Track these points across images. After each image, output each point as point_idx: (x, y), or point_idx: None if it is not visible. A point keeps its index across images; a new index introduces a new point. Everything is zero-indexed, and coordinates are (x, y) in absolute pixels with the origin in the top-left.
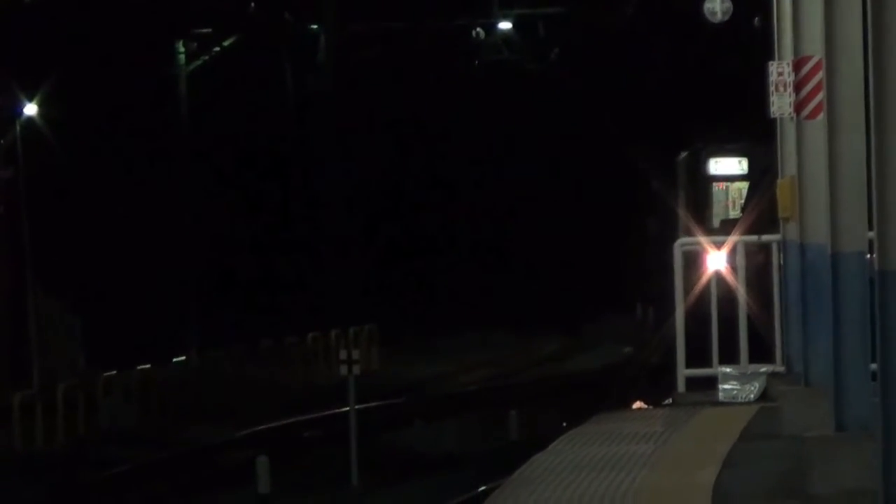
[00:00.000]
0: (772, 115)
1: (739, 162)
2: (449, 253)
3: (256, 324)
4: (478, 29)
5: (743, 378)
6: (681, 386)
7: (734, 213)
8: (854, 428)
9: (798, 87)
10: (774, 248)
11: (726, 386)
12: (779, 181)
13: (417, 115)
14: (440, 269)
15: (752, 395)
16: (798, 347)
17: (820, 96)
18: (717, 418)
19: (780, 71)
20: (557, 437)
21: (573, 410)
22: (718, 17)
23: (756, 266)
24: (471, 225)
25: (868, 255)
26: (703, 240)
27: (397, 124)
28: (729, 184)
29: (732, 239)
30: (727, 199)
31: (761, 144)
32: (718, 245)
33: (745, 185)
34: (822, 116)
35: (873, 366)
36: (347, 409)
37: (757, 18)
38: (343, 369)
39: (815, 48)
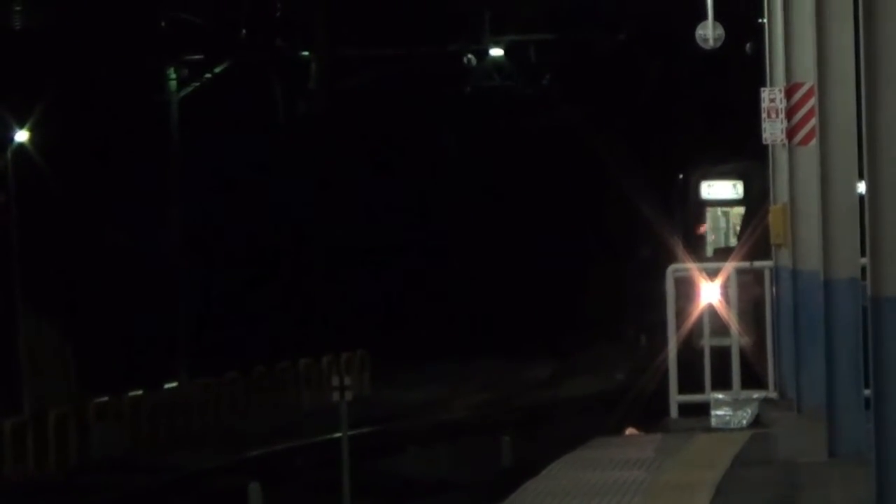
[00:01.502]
0: (764, 142)
1: (734, 185)
2: (440, 278)
3: (248, 350)
4: (469, 55)
5: (735, 404)
6: (673, 412)
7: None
8: (847, 454)
9: (790, 113)
10: (767, 274)
11: (719, 412)
12: (771, 207)
13: (408, 141)
14: (431, 295)
15: (744, 422)
16: (791, 373)
17: (812, 122)
18: (710, 444)
19: (772, 97)
20: (550, 463)
21: (566, 436)
22: (710, 44)
23: (753, 298)
24: (461, 250)
25: (861, 282)
26: (695, 266)
27: (387, 147)
28: (728, 209)
29: (727, 266)
30: (727, 225)
31: (758, 167)
32: (712, 273)
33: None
34: (814, 142)
35: (866, 392)
36: (339, 434)
37: (749, 45)
38: (335, 395)
39: (806, 75)
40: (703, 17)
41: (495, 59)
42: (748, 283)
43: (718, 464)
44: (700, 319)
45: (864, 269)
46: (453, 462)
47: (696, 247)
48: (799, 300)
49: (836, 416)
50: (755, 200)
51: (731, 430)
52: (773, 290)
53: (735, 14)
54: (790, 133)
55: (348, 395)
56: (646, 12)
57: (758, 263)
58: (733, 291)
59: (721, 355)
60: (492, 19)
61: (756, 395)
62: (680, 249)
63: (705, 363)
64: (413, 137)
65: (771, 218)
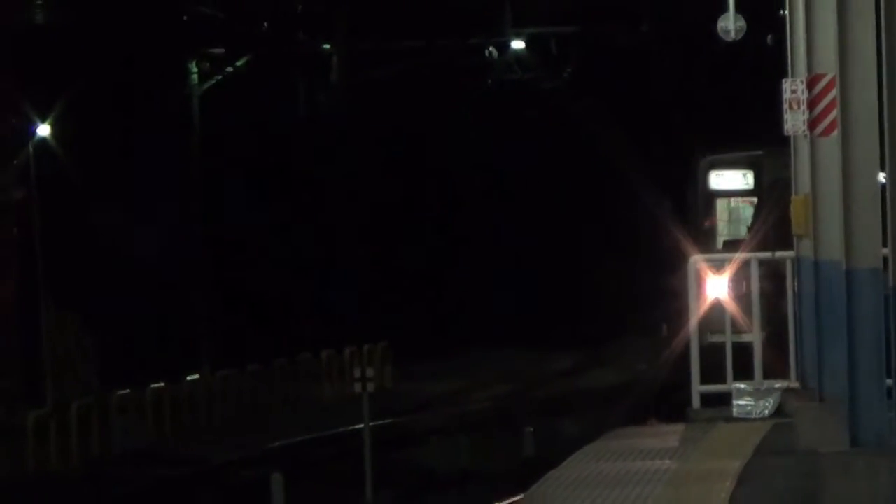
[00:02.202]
0: (785, 133)
1: (744, 175)
2: (463, 269)
3: (270, 341)
4: (490, 48)
5: (757, 394)
6: (695, 402)
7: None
8: (869, 443)
9: (812, 104)
10: (788, 265)
11: (741, 402)
12: (793, 198)
13: (430, 133)
14: (454, 286)
15: (766, 411)
16: (812, 363)
17: (834, 114)
18: (732, 434)
19: (793, 88)
20: (572, 453)
21: (588, 426)
22: (732, 36)
23: (764, 292)
24: (486, 242)
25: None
26: (714, 258)
27: (409, 142)
28: (740, 200)
29: (737, 259)
30: (738, 216)
31: (771, 155)
32: (729, 265)
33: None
34: (835, 133)
35: (889, 381)
36: (362, 426)
37: (770, 37)
38: (357, 387)
39: (828, 66)
40: (725, 9)
41: (517, 51)
42: (758, 277)
43: (741, 453)
44: (708, 314)
45: (885, 260)
46: (475, 453)
47: (704, 239)
48: (821, 290)
49: (858, 406)
50: (767, 191)
51: (753, 419)
52: (795, 280)
53: (756, 5)
54: (812, 124)
55: (370, 387)
56: (666, 4)
57: (780, 254)
58: (750, 284)
59: (734, 351)
60: (512, 12)
61: (778, 384)
62: (688, 241)
63: (727, 353)
64: (434, 130)
65: (793, 208)
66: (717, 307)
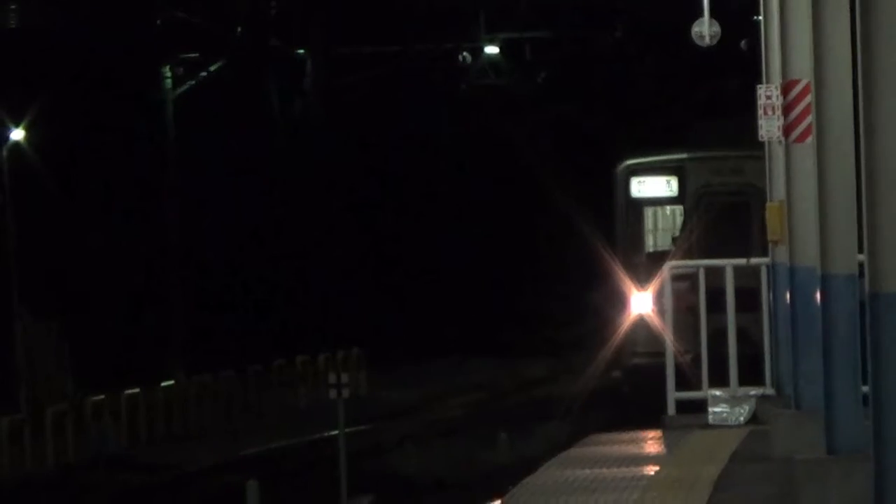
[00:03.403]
0: (760, 139)
1: (668, 181)
2: (435, 276)
3: (244, 348)
4: (465, 53)
5: (733, 401)
6: (671, 409)
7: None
8: (845, 451)
9: (787, 110)
10: (763, 271)
11: (716, 409)
12: (768, 204)
13: (403, 138)
14: (427, 293)
15: (742, 418)
16: (788, 370)
17: (809, 119)
18: (708, 441)
19: (768, 94)
20: (547, 459)
21: (562, 434)
22: (707, 41)
23: (690, 306)
24: (457, 247)
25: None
26: (689, 264)
27: (383, 147)
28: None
29: (665, 267)
30: (666, 225)
31: (696, 159)
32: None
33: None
34: (810, 139)
35: (864, 388)
36: (336, 432)
37: (744, 42)
38: (332, 393)
39: (803, 71)
40: (699, 14)
41: (490, 56)
42: (683, 290)
43: (716, 460)
44: (631, 333)
45: (861, 266)
46: (450, 459)
47: (631, 251)
48: (796, 296)
49: (834, 413)
50: (693, 198)
51: (729, 426)
52: (770, 286)
53: (730, 11)
54: (787, 130)
55: (345, 393)
56: (641, 10)
57: (755, 260)
58: (679, 297)
59: (657, 373)
60: (487, 17)
61: (753, 391)
62: (608, 254)
63: (702, 359)
64: (409, 134)
65: (768, 215)
66: (645, 325)
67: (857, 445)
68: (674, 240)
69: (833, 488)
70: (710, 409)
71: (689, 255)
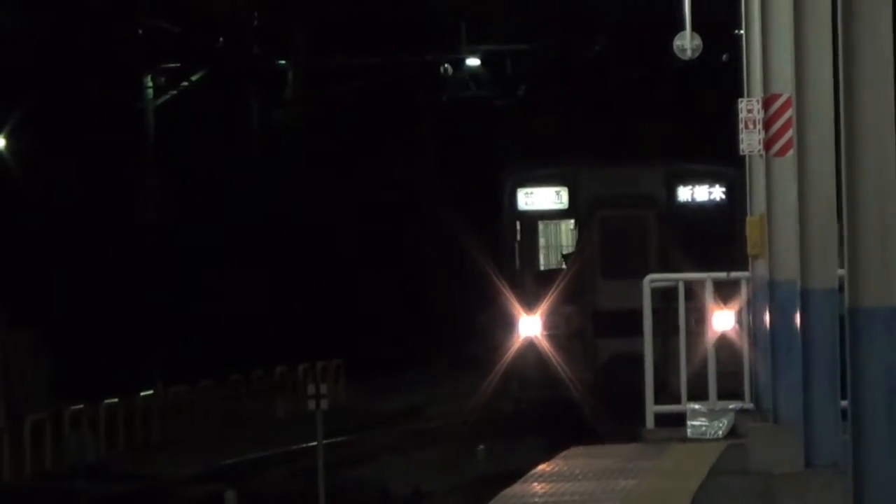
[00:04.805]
0: (741, 153)
1: (557, 193)
2: (416, 287)
3: (223, 357)
4: (446, 65)
5: (712, 415)
6: (649, 422)
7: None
8: (823, 465)
9: (768, 124)
10: (743, 285)
11: (695, 422)
12: (748, 218)
13: (382, 149)
14: (407, 304)
15: (720, 432)
16: (767, 384)
17: (789, 133)
18: (687, 455)
19: (749, 108)
20: (526, 472)
21: (543, 445)
22: (689, 55)
23: (576, 331)
24: (438, 255)
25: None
26: (671, 277)
27: (363, 158)
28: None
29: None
30: (561, 241)
31: (589, 169)
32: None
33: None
34: (791, 153)
35: (843, 403)
36: (315, 443)
37: (725, 55)
38: (311, 403)
39: (784, 85)
40: (681, 27)
41: (472, 68)
42: (571, 314)
43: (695, 474)
44: (519, 362)
45: (841, 280)
46: (429, 470)
47: (518, 270)
48: (775, 310)
49: (813, 427)
50: (585, 211)
51: (708, 440)
52: (749, 301)
53: (712, 24)
54: (767, 144)
55: (324, 404)
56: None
57: (734, 274)
58: (572, 323)
59: (553, 405)
60: (468, 29)
61: (732, 405)
62: (494, 273)
63: (681, 370)
64: (389, 145)
65: (748, 228)
66: (535, 352)
67: (836, 459)
68: (565, 258)
69: (811, 502)
70: (689, 423)
71: (580, 274)
